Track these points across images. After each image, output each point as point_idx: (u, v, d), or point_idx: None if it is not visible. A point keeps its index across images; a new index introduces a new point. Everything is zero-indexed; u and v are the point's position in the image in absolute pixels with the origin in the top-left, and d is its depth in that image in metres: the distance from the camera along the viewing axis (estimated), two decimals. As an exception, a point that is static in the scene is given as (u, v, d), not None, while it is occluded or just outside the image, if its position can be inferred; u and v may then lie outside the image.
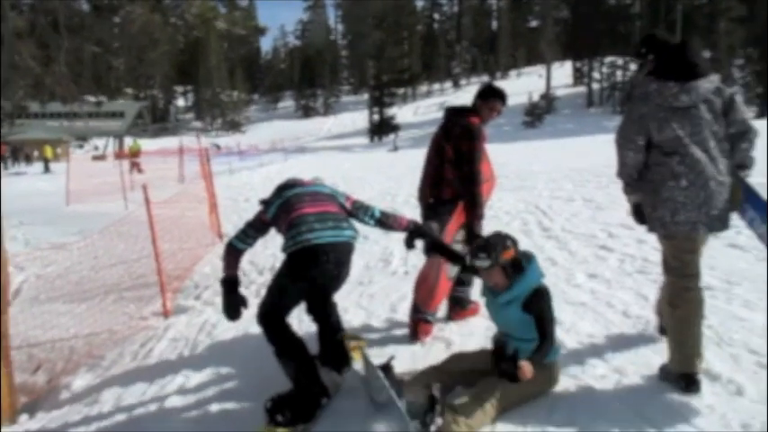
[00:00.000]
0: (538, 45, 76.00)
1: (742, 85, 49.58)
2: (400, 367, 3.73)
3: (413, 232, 4.12)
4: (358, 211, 3.97)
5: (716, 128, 3.30)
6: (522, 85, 65.20)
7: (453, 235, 4.43)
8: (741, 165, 3.40)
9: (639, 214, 3.61)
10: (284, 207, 3.75)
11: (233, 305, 3.74)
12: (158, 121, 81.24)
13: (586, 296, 5.07)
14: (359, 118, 74.63)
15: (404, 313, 4.77)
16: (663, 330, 4.02)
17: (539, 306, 3.29)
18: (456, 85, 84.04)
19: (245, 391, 3.96)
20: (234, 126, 79.58)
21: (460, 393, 3.18)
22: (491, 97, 4.63)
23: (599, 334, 4.24)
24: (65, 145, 51.24)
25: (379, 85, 67.64)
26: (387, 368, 3.36)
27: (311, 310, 3.98)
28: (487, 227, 4.56)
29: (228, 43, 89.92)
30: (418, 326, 4.46)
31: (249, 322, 4.96)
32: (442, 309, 4.83)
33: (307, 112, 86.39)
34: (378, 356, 3.79)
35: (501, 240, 3.37)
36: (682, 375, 3.29)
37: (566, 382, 3.47)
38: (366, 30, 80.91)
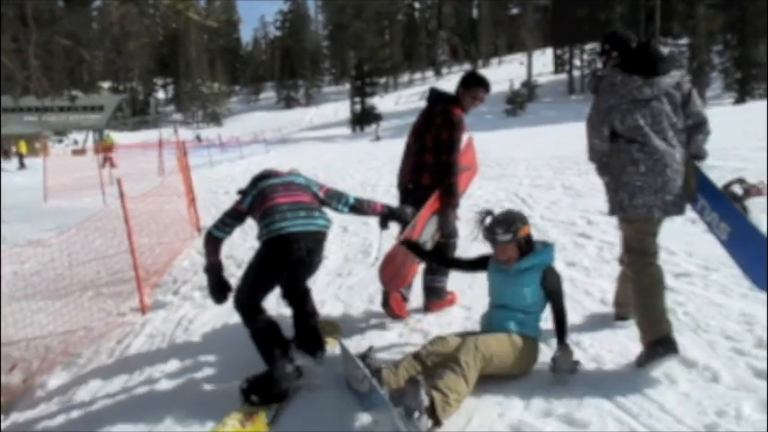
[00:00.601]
0: (518, 33, 76.04)
1: (720, 71, 49.78)
2: (378, 358, 3.71)
3: (387, 215, 4.30)
4: (331, 199, 4.13)
5: (674, 119, 3.49)
6: (503, 73, 65.13)
7: (426, 221, 4.41)
8: (696, 155, 3.60)
9: None
10: (259, 197, 3.90)
11: (219, 289, 3.93)
12: (138, 113, 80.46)
13: (565, 285, 5.02)
14: (340, 108, 74.19)
15: (382, 305, 4.74)
16: (618, 317, 4.18)
17: (554, 282, 3.53)
18: (438, 73, 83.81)
19: (222, 379, 3.99)
20: (215, 118, 78.94)
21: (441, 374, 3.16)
22: (474, 85, 4.63)
23: (577, 322, 4.24)
24: (43, 139, 50.57)
25: (360, 75, 67.23)
26: (365, 357, 3.39)
27: (286, 296, 4.16)
28: (466, 215, 4.59)
29: (208, 35, 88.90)
30: (391, 295, 4.45)
31: (227, 316, 4.96)
32: (419, 300, 4.82)
33: (288, 103, 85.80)
34: (356, 348, 3.79)
35: (518, 217, 3.58)
36: (655, 342, 3.34)
37: (543, 371, 3.47)
38: (346, 20, 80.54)
